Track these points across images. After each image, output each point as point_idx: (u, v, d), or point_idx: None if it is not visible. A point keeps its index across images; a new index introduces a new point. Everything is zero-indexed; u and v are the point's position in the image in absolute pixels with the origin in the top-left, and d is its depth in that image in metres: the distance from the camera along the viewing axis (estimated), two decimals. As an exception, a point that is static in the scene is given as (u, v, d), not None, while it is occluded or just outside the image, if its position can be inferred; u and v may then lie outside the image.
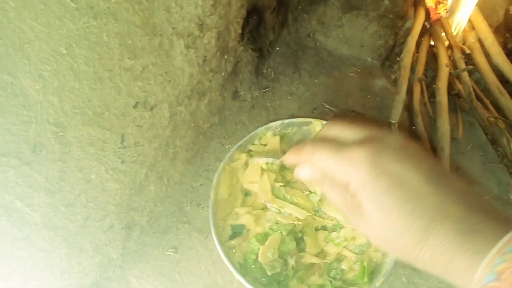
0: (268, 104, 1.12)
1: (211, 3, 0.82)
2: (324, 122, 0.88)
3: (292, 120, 0.90)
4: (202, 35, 0.84)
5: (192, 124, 0.94)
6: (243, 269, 0.73)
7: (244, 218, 0.78)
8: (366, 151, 0.37)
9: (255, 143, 0.88)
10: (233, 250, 0.76)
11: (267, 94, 1.13)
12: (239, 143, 0.86)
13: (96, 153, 0.66)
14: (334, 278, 0.75)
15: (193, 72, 0.86)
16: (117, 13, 0.58)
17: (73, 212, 0.66)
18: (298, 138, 0.91)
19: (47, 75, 0.51)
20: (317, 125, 0.90)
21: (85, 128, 0.61)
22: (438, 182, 0.36)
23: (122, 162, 0.73)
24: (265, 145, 0.89)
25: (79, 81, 0.56)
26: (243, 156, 0.87)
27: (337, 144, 0.41)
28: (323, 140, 0.43)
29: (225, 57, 0.98)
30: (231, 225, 0.79)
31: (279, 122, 0.90)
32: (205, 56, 0.89)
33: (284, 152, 0.80)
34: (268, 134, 0.89)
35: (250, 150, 0.89)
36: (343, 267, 0.76)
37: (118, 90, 0.65)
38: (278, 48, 1.22)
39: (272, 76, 1.17)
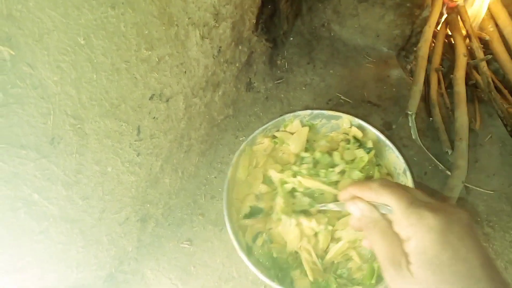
0: (282, 95, 1.10)
1: (227, -8, 0.80)
2: (355, 119, 0.86)
3: (322, 112, 0.88)
4: (217, 25, 0.82)
5: (207, 116, 0.93)
6: (249, 249, 0.71)
7: (263, 201, 0.77)
8: (440, 219, 0.39)
9: (280, 129, 0.87)
10: (244, 230, 0.74)
11: (281, 85, 1.12)
12: (264, 126, 0.84)
13: (113, 145, 0.65)
14: (340, 276, 0.73)
15: (208, 63, 0.85)
16: (135, 3, 0.57)
17: (90, 204, 0.66)
18: (325, 132, 0.89)
19: (65, 66, 0.50)
20: (346, 121, 0.87)
21: (102, 120, 0.60)
22: (491, 271, 0.38)
23: (138, 155, 0.72)
24: (292, 133, 0.87)
25: (97, 72, 0.55)
26: (266, 141, 0.85)
27: (410, 195, 0.43)
28: (392, 185, 0.45)
29: (240, 47, 0.96)
30: (250, 206, 0.77)
31: (308, 112, 0.88)
32: (220, 47, 0.88)
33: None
34: (295, 123, 0.87)
35: (275, 136, 0.87)
36: (350, 266, 0.74)
37: (135, 82, 0.64)
38: (292, 39, 1.20)
39: (286, 67, 1.15)
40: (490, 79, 1.08)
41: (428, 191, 0.46)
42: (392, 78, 1.15)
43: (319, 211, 0.73)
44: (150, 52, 0.65)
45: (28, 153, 0.50)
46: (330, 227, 0.72)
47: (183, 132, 0.86)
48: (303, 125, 0.88)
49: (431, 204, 0.41)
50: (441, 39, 1.23)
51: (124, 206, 0.74)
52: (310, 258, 0.69)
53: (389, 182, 0.45)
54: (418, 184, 0.90)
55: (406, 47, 1.19)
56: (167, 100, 0.76)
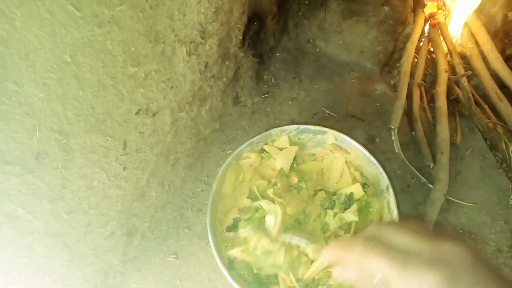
0: (269, 109, 1.12)
1: (213, 10, 0.82)
2: (340, 134, 0.87)
3: (308, 126, 0.90)
4: (204, 41, 0.84)
5: (193, 130, 0.94)
6: (231, 263, 0.72)
7: (245, 212, 0.77)
8: (443, 273, 0.35)
9: (268, 143, 0.88)
10: (226, 243, 0.74)
11: (267, 100, 1.14)
12: (250, 140, 0.85)
13: (99, 160, 0.66)
14: None
15: (195, 78, 0.87)
16: (121, 21, 0.59)
17: (75, 219, 0.66)
18: (312, 146, 0.91)
19: (52, 83, 0.51)
20: (331, 135, 0.89)
21: (88, 135, 0.61)
22: None
23: (124, 169, 0.73)
24: (280, 149, 0.89)
25: (83, 88, 0.57)
26: (253, 155, 0.86)
27: (399, 253, 0.38)
28: (376, 242, 0.40)
29: (226, 63, 0.98)
30: (233, 219, 0.77)
31: (294, 126, 0.89)
32: (207, 63, 0.89)
33: None
34: (283, 138, 0.89)
35: (263, 150, 0.88)
36: (331, 282, 0.74)
37: (121, 97, 0.65)
38: (278, 54, 1.23)
39: (273, 81, 1.17)
40: (470, 94, 1.11)
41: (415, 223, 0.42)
42: (376, 92, 1.17)
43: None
44: (136, 69, 0.66)
45: (13, 169, 0.51)
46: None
47: (170, 146, 0.87)
48: (290, 140, 0.89)
49: (427, 254, 0.37)
50: (423, 55, 1.26)
51: (109, 220, 0.75)
52: (288, 278, 0.70)
53: (373, 240, 0.41)
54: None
55: (390, 62, 1.23)
56: (154, 115, 0.77)
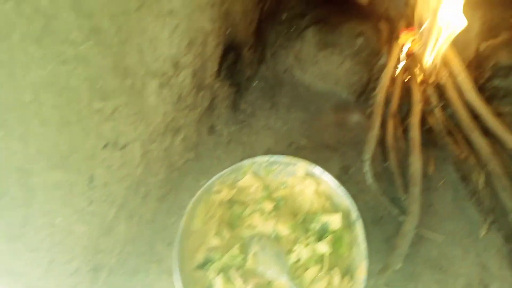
0: (245, 139, 1.12)
1: (186, 43, 0.83)
2: (311, 166, 0.88)
3: (279, 158, 0.91)
4: (176, 74, 0.84)
5: (166, 161, 0.93)
6: None
7: (215, 251, 0.76)
8: None
9: (239, 176, 0.88)
10: (195, 282, 0.73)
11: (244, 129, 1.14)
12: (221, 173, 0.86)
13: (63, 196, 0.65)
14: None
15: (167, 110, 0.86)
16: (87, 58, 0.59)
17: (37, 256, 0.64)
18: (283, 177, 0.91)
19: (11, 122, 0.50)
20: (301, 167, 0.90)
21: (51, 171, 0.60)
22: None
23: (91, 203, 0.72)
24: (251, 184, 0.89)
25: (45, 126, 0.56)
26: (225, 191, 0.86)
27: None
28: None
29: (201, 93, 0.98)
30: (203, 257, 0.76)
31: (265, 158, 0.90)
32: (180, 94, 0.89)
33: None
34: (254, 170, 0.89)
35: (234, 186, 0.88)
36: None
37: (87, 133, 0.64)
38: (256, 83, 1.24)
39: (250, 110, 1.18)
40: (443, 125, 1.13)
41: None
42: (352, 122, 1.18)
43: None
44: (103, 104, 0.66)
45: (-33, 210, 0.49)
46: None
47: (140, 178, 0.86)
48: (261, 172, 0.90)
49: None
50: (399, 85, 1.28)
51: (74, 256, 0.73)
52: None
53: None
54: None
55: (365, 92, 1.24)
56: (123, 148, 0.77)
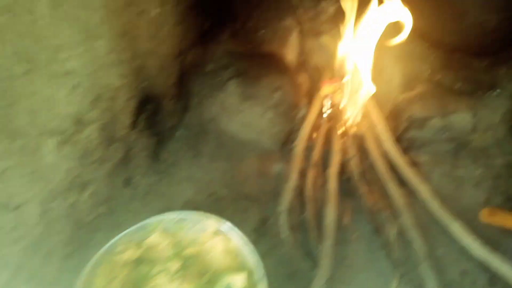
0: (164, 190, 1.10)
1: (90, 99, 0.82)
2: (221, 221, 0.88)
3: (187, 214, 0.90)
4: (79, 130, 0.83)
5: (72, 218, 0.90)
6: None
7: None
8: None
9: (148, 235, 0.86)
10: None
11: (163, 180, 1.12)
12: (126, 232, 0.84)
13: None
14: None
15: (71, 166, 0.84)
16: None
17: None
18: (194, 233, 0.90)
19: None
20: (212, 223, 0.89)
21: None
22: None
23: (-26, 271, 0.68)
24: (157, 243, 0.87)
25: None
26: (129, 251, 0.84)
27: None
28: None
29: (113, 146, 0.97)
30: None
31: (174, 215, 0.89)
32: (86, 149, 0.88)
33: None
34: (163, 225, 0.87)
35: (139, 246, 0.86)
36: None
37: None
38: (180, 131, 1.23)
39: (171, 160, 1.17)
40: (359, 176, 1.16)
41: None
42: (274, 172, 1.20)
43: None
44: (-13, 168, 0.63)
45: None
46: None
47: (40, 238, 0.82)
48: (172, 229, 0.88)
49: None
50: (322, 135, 1.32)
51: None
52: None
53: None
54: None
55: (289, 142, 1.27)
56: (16, 209, 0.74)
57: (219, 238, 0.88)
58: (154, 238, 0.88)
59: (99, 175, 0.96)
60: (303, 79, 1.30)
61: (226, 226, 0.88)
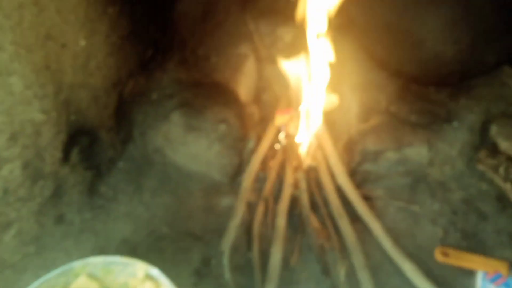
0: (100, 227, 1.03)
1: (7, 137, 0.75)
2: (149, 267, 0.82)
3: (115, 259, 0.83)
4: (-5, 168, 0.76)
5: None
6: None
7: None
8: None
9: (71, 280, 0.79)
10: None
11: (100, 216, 1.05)
12: (46, 277, 0.77)
13: None
14: None
15: (-12, 206, 0.77)
16: None
17: None
18: (124, 277, 0.83)
19: None
20: (140, 268, 0.83)
21: None
22: None
23: None
24: None
25: None
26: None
27: None
28: None
29: (40, 183, 0.90)
30: None
31: (100, 259, 0.83)
32: (7, 188, 0.81)
33: None
34: (88, 270, 0.80)
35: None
36: None
37: None
38: (121, 163, 1.17)
39: (110, 195, 1.10)
40: (309, 212, 1.12)
41: None
42: (222, 207, 1.14)
43: None
44: None
45: None
46: None
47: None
48: (99, 273, 0.82)
49: None
50: (273, 168, 1.27)
51: None
52: None
53: None
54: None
55: (238, 175, 1.22)
56: None
57: (150, 283, 0.82)
58: (79, 284, 0.81)
59: (24, 214, 0.88)
60: (254, 110, 1.26)
61: (154, 271, 0.82)
